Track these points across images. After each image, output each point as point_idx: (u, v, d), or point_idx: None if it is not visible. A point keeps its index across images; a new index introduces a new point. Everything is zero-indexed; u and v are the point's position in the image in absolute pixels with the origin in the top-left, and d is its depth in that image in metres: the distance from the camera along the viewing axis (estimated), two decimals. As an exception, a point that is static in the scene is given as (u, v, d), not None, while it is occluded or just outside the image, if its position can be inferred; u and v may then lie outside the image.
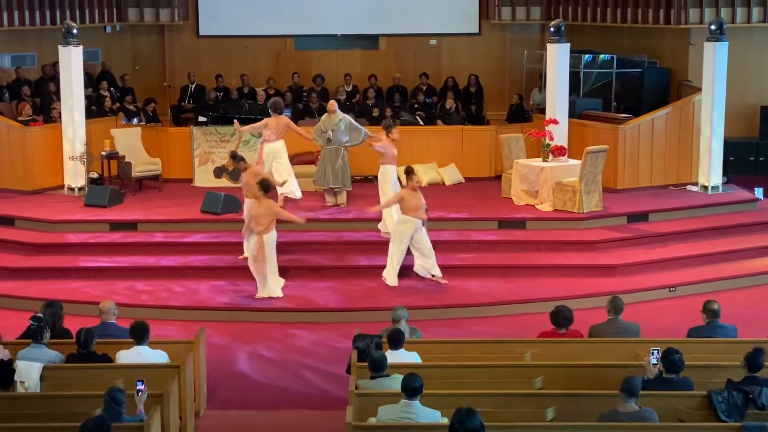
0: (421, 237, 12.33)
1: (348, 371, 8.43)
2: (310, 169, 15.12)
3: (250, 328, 11.50)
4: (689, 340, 8.85)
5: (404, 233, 12.26)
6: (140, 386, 7.28)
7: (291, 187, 14.24)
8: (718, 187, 15.33)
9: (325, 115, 14.62)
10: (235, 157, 12.89)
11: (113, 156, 15.65)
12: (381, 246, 13.17)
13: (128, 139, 15.94)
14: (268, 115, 14.23)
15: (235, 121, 14.41)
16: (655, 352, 7.74)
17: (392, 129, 13.79)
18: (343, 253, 13.25)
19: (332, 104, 14.66)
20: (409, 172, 12.38)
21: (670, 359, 7.62)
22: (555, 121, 15.15)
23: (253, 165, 13.15)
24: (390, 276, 12.42)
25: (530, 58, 19.02)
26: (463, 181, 16.05)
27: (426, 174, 15.87)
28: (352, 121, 14.65)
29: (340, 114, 14.53)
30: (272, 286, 12.05)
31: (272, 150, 14.15)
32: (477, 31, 19.87)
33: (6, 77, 17.56)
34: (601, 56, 17.57)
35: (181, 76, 19.44)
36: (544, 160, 14.70)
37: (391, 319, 9.04)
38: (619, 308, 9.12)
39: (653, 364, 7.71)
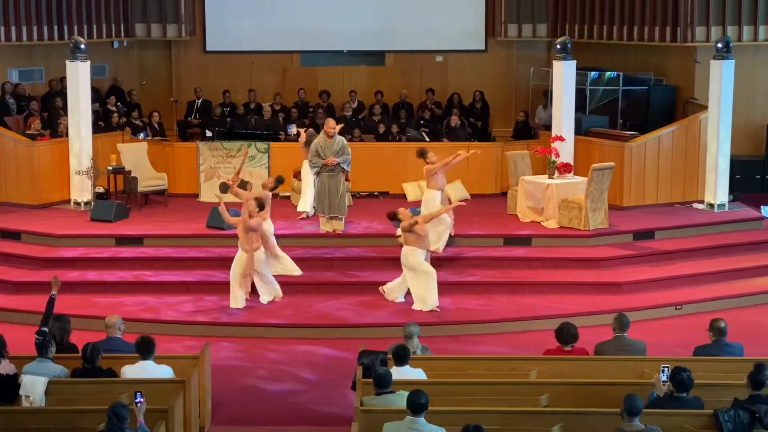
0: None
1: (353, 387, 8.42)
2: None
3: (255, 343, 11.49)
4: (696, 359, 8.82)
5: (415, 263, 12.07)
6: (139, 398, 7.29)
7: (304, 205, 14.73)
8: (724, 205, 15.31)
9: (323, 136, 13.83)
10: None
11: (119, 171, 15.68)
12: (386, 261, 13.18)
13: (134, 154, 15.97)
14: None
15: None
16: (665, 369, 7.71)
17: (426, 154, 13.49)
18: (349, 269, 13.24)
19: (332, 126, 13.88)
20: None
21: (679, 378, 7.60)
22: (561, 138, 15.15)
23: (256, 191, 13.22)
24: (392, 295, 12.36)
25: (536, 75, 19.04)
26: (469, 197, 16.03)
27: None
28: (346, 145, 13.94)
29: (338, 138, 13.91)
30: (240, 295, 12.17)
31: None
32: (483, 47, 19.91)
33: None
34: (608, 74, 17.59)
35: (187, 91, 19.49)
36: (549, 177, 14.70)
37: (403, 334, 9.03)
38: (625, 326, 9.10)
39: (663, 381, 7.69)
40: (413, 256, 12.02)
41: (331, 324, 11.87)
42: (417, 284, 12.09)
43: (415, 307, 12.09)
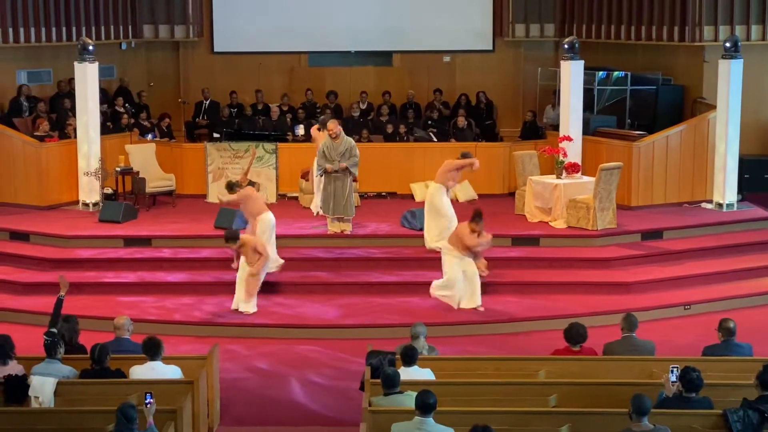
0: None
1: (361, 388, 8.42)
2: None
3: (263, 344, 11.49)
4: (704, 359, 8.80)
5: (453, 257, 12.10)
6: (149, 399, 7.31)
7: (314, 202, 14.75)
8: (732, 205, 15.29)
9: (328, 138, 13.76)
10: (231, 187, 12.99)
11: (128, 172, 15.72)
12: (394, 262, 13.19)
13: (143, 155, 16.00)
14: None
15: None
16: (674, 369, 7.69)
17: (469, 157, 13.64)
18: (357, 270, 13.23)
19: (335, 127, 13.75)
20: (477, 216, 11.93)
21: (688, 378, 7.58)
22: (569, 138, 15.13)
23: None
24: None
25: (544, 75, 19.02)
26: (477, 197, 16.02)
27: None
28: (354, 146, 13.82)
29: (345, 139, 13.79)
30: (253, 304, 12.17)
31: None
32: (491, 48, 19.89)
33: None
34: (615, 73, 17.57)
35: (195, 92, 19.53)
36: (557, 177, 14.68)
37: (410, 335, 9.02)
38: (633, 326, 9.08)
39: (672, 382, 7.67)
40: (446, 255, 12.09)
41: (338, 324, 11.86)
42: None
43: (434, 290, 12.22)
